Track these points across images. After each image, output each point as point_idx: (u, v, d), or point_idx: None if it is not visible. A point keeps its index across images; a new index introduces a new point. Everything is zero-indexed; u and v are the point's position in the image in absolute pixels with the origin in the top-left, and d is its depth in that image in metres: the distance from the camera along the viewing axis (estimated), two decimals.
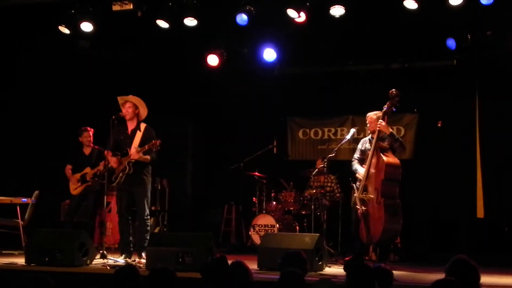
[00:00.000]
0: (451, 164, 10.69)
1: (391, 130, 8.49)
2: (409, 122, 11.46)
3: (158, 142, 8.19)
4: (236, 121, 12.07)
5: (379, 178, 8.19)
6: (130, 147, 8.40)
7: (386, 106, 8.37)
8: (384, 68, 11.44)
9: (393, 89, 8.33)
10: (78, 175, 9.90)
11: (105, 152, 8.58)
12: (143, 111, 8.58)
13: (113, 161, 8.40)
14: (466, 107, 10.86)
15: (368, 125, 8.73)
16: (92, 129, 10.01)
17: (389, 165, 8.18)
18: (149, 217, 8.57)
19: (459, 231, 10.60)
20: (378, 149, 8.30)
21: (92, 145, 9.98)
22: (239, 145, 11.74)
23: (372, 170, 8.25)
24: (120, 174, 8.36)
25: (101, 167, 9.42)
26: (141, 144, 8.35)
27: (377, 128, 8.33)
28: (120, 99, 8.58)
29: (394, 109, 8.44)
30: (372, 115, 8.62)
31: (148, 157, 8.38)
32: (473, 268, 4.54)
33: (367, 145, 8.63)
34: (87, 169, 9.87)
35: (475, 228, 10.53)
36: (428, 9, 8.88)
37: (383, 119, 8.37)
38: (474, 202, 10.63)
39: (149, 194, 8.53)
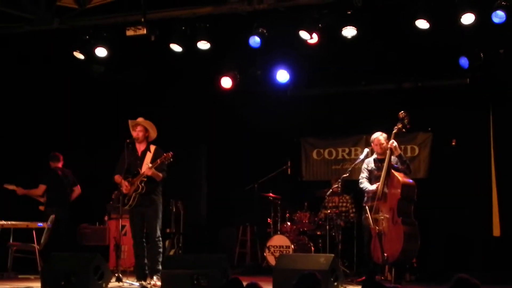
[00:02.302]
0: (466, 182, 10.63)
1: (400, 151, 8.55)
2: (423, 141, 11.43)
3: (170, 154, 8.30)
4: (250, 142, 12.09)
5: (394, 197, 8.20)
6: (141, 167, 8.48)
7: (396, 128, 8.42)
8: (396, 87, 11.43)
9: (402, 111, 8.38)
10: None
11: (116, 177, 8.63)
12: (153, 134, 8.71)
13: (124, 186, 8.47)
14: (480, 125, 10.82)
15: (375, 145, 8.76)
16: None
17: (405, 185, 8.22)
18: (160, 238, 8.58)
19: (475, 250, 10.52)
20: (391, 169, 8.31)
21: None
22: (253, 166, 11.74)
23: (386, 190, 8.25)
24: (133, 195, 8.43)
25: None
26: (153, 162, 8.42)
27: (390, 147, 8.36)
28: (131, 122, 8.68)
29: (404, 130, 8.47)
30: (379, 137, 8.67)
31: (160, 174, 8.45)
32: (476, 286, 4.51)
33: (372, 165, 8.72)
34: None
35: (491, 246, 10.45)
36: (440, 29, 8.90)
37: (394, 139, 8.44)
38: (490, 220, 10.56)
39: (160, 215, 8.57)
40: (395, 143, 8.36)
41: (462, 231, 10.64)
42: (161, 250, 8.58)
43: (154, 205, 8.50)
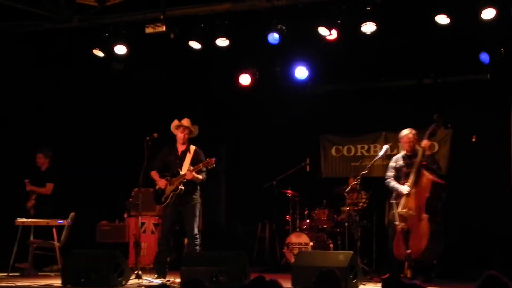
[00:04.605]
0: (487, 179, 10.55)
1: (433, 150, 8.50)
2: (443, 137, 11.34)
3: (213, 160, 8.52)
4: (269, 139, 12.06)
5: (423, 196, 8.17)
6: (181, 167, 8.66)
7: (431, 128, 8.39)
8: (416, 83, 11.36)
9: (437, 114, 8.36)
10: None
11: (152, 173, 8.82)
12: (194, 135, 8.94)
13: (161, 183, 8.68)
14: (500, 121, 10.72)
15: (404, 143, 8.67)
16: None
17: (436, 184, 8.16)
18: (198, 236, 8.72)
19: (495, 247, 10.43)
20: (422, 167, 8.24)
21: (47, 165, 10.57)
22: (272, 163, 11.71)
23: (414, 189, 8.19)
24: (171, 194, 8.62)
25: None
26: (191, 165, 8.60)
27: (423, 145, 8.29)
28: (177, 123, 8.86)
29: (438, 132, 8.53)
30: (409, 134, 8.57)
31: (200, 176, 8.64)
32: (505, 285, 4.46)
33: (401, 163, 8.57)
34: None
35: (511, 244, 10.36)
36: (460, 24, 8.85)
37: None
38: (510, 217, 10.47)
39: (197, 214, 8.75)
40: (430, 143, 8.31)
41: (483, 228, 10.55)
42: (198, 248, 8.70)
43: (192, 204, 8.68)
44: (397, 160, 8.74)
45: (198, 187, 8.80)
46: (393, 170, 8.70)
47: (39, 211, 10.26)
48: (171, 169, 8.76)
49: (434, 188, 8.18)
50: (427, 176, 8.19)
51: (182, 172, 8.61)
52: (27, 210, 10.37)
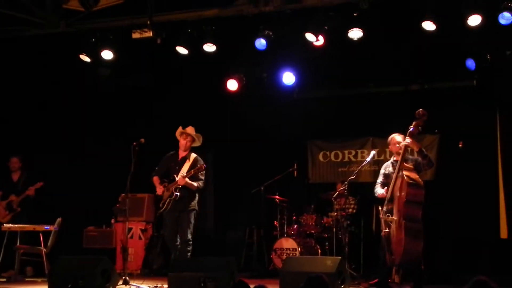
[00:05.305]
0: (473, 184, 10.61)
1: (420, 146, 8.36)
2: (430, 143, 11.39)
3: (203, 166, 8.64)
4: (256, 145, 12.07)
5: (401, 200, 8.09)
6: (177, 174, 8.72)
7: (412, 126, 8.13)
8: (403, 89, 11.42)
9: (420, 109, 8.16)
10: (4, 203, 10.14)
11: (153, 178, 8.93)
12: (198, 143, 9.02)
13: (158, 189, 8.81)
14: (487, 127, 10.80)
15: (391, 147, 8.55)
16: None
17: (411, 186, 8.01)
18: (190, 242, 8.71)
19: (482, 252, 10.48)
20: (402, 170, 8.17)
21: (19, 170, 10.47)
22: (259, 169, 11.71)
23: (397, 193, 8.15)
24: (167, 201, 8.69)
25: (30, 192, 10.08)
26: (188, 171, 8.70)
27: (405, 144, 8.14)
28: (181, 130, 8.93)
29: (420, 129, 8.28)
30: (396, 137, 8.42)
31: (194, 183, 8.70)
32: None
33: (390, 169, 8.46)
34: (12, 197, 10.22)
35: (499, 249, 10.41)
36: (447, 30, 8.88)
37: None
38: (497, 222, 10.54)
39: (192, 220, 8.76)
40: (411, 140, 8.14)
41: (470, 233, 10.61)
42: (189, 254, 8.71)
43: (188, 210, 8.71)
44: (387, 166, 8.66)
45: (196, 194, 8.86)
46: (382, 177, 8.65)
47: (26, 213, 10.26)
48: (169, 175, 8.86)
49: (410, 190, 8.02)
50: (404, 178, 8.08)
51: (177, 179, 8.68)
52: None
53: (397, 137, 8.35)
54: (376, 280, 8.62)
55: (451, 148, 11.07)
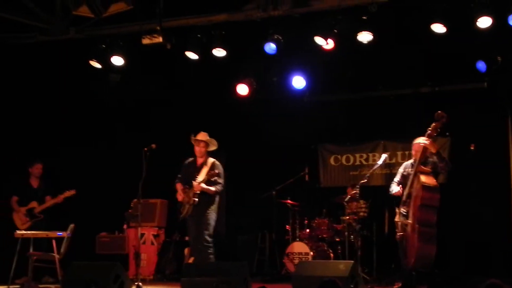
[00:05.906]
0: (485, 187, 10.56)
1: (437, 147, 8.32)
2: (441, 146, 11.32)
3: (216, 172, 8.85)
4: (267, 150, 12.07)
5: (416, 203, 8.09)
6: (195, 180, 8.88)
7: (430, 129, 8.16)
8: (414, 92, 11.39)
9: (439, 111, 8.14)
10: (23, 209, 10.14)
11: (177, 185, 9.11)
12: (213, 148, 9.18)
13: (179, 196, 9.03)
14: (498, 129, 10.75)
15: (416, 152, 8.50)
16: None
17: (425, 189, 8.01)
18: (211, 245, 8.88)
19: (494, 256, 10.43)
20: (419, 173, 8.15)
21: (39, 177, 10.51)
22: (271, 173, 11.72)
23: (414, 195, 8.12)
24: (187, 206, 8.89)
25: (48, 203, 10.15)
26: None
27: (423, 145, 8.13)
28: (194, 137, 9.09)
29: (439, 131, 8.20)
30: (419, 141, 8.38)
31: (212, 188, 8.88)
32: None
33: (409, 170, 8.46)
34: (33, 203, 10.20)
35: (510, 251, 10.35)
36: (457, 33, 8.85)
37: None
38: (509, 225, 10.48)
39: (211, 222, 8.91)
40: (429, 141, 8.09)
41: (481, 236, 10.56)
42: (211, 256, 8.85)
43: (206, 214, 8.88)
44: (406, 167, 8.64)
45: (216, 198, 9.03)
46: (399, 176, 8.64)
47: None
48: (189, 181, 8.97)
49: (425, 194, 8.02)
50: (420, 181, 8.06)
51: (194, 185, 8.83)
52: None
53: (421, 143, 8.32)
54: (400, 284, 8.55)
55: (462, 150, 11.02)
